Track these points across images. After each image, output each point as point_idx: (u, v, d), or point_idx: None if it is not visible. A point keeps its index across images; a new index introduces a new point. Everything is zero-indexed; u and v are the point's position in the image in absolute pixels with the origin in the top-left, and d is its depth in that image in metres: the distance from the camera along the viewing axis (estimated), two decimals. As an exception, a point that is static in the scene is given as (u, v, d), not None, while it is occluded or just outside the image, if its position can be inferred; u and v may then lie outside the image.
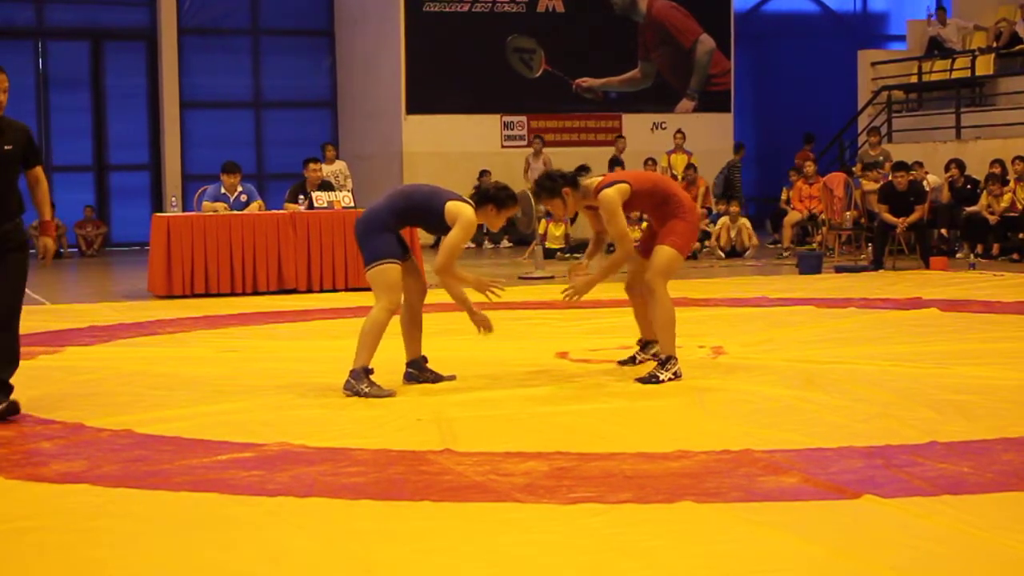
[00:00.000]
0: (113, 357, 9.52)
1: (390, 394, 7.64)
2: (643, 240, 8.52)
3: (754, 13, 28.04)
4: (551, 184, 8.10)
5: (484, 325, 8.06)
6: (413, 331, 8.11)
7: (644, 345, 8.60)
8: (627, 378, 8.23)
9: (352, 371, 7.67)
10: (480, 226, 7.98)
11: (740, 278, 15.81)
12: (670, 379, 7.94)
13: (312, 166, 15.74)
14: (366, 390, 7.60)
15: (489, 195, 7.95)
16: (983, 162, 19.05)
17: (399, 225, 7.91)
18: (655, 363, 8.12)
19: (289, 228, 14.38)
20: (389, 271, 7.71)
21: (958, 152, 20.19)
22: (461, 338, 10.11)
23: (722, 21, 24.45)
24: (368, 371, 7.68)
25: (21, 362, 9.12)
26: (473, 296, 8.06)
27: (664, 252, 8.10)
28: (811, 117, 25.73)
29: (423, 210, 7.88)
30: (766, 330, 10.44)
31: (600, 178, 8.22)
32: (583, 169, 8.26)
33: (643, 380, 7.98)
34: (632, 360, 8.60)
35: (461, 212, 7.76)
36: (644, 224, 8.52)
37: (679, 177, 21.06)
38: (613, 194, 8.01)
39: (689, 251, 8.26)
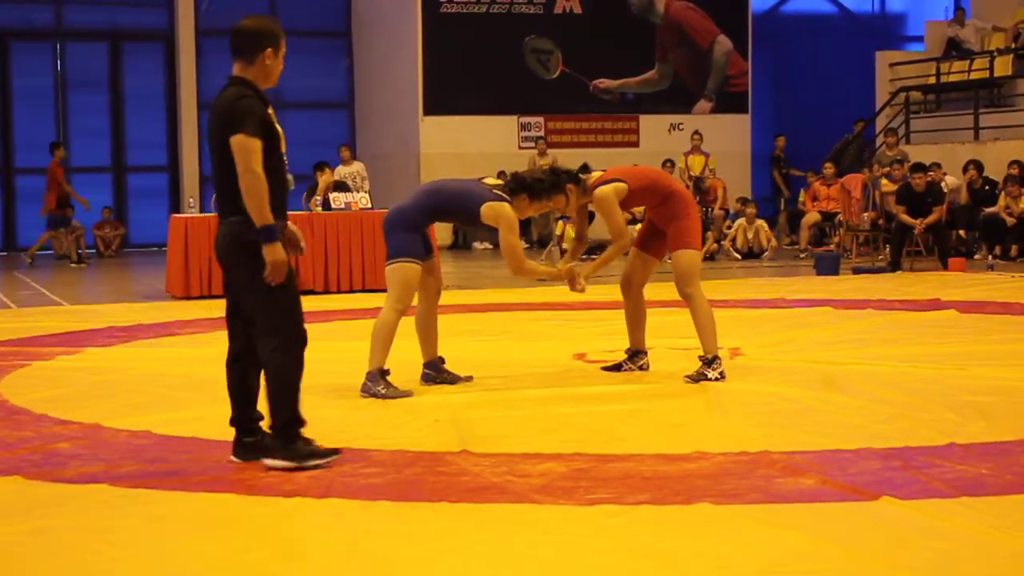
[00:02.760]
0: (131, 358, 9.54)
1: (407, 394, 7.65)
2: (642, 235, 8.48)
3: (772, 14, 27.98)
4: (555, 179, 8.06)
5: (577, 285, 8.14)
6: (429, 332, 8.11)
7: (632, 355, 8.53)
8: (645, 379, 8.22)
9: (368, 373, 7.68)
10: (494, 229, 7.98)
11: (757, 279, 15.79)
12: (717, 378, 7.98)
13: (319, 173, 15.88)
14: (383, 391, 7.60)
15: (525, 184, 7.94)
16: (1001, 163, 19.00)
17: (428, 223, 7.92)
18: (700, 363, 8.13)
19: (306, 229, 14.39)
20: (407, 269, 7.71)
21: (976, 153, 20.13)
22: (478, 339, 10.12)
23: (739, 22, 24.42)
24: (384, 372, 7.68)
25: (39, 363, 9.19)
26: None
27: (685, 256, 8.13)
28: (829, 118, 25.66)
29: (454, 208, 7.92)
30: (784, 331, 10.42)
31: (599, 173, 8.23)
32: (585, 168, 8.27)
33: (692, 379, 8.03)
34: (618, 367, 8.49)
35: (501, 213, 7.76)
36: (638, 226, 8.50)
37: (693, 178, 21.10)
38: (609, 191, 8.04)
39: (700, 243, 8.31)
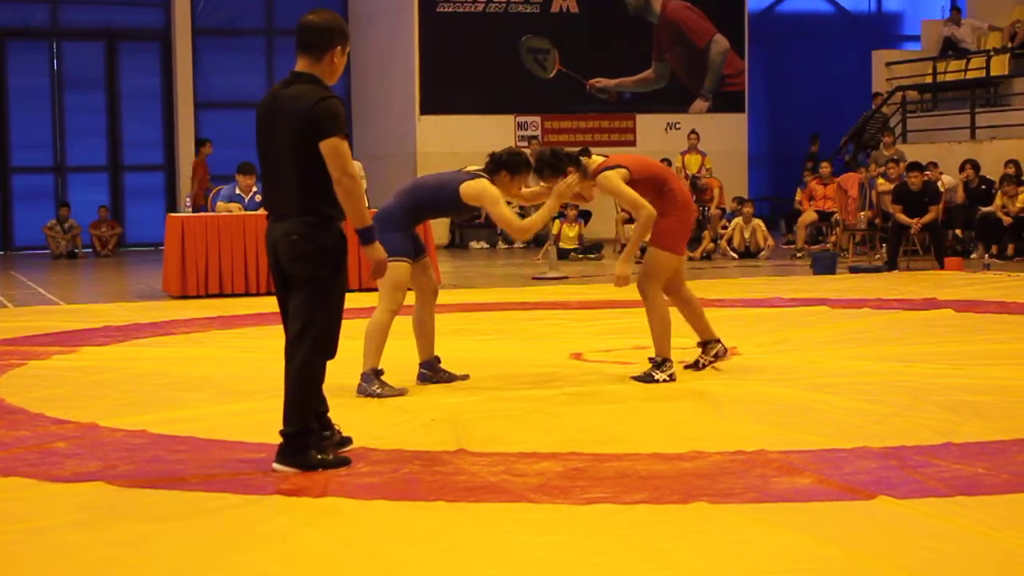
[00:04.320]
0: (127, 357, 9.53)
1: (402, 392, 7.65)
2: None
3: (768, 13, 28.01)
4: (556, 162, 7.97)
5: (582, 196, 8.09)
6: (425, 331, 8.11)
7: (704, 345, 8.36)
8: (641, 378, 8.22)
9: (363, 374, 7.68)
10: (493, 227, 7.97)
11: (754, 278, 15.80)
12: (665, 380, 7.95)
13: None
14: (378, 391, 7.61)
15: (502, 162, 7.89)
16: (998, 162, 19.01)
17: (413, 222, 7.91)
18: (651, 364, 8.10)
19: (303, 228, 14.36)
20: (397, 269, 7.69)
21: (973, 152, 20.15)
22: (474, 338, 10.12)
23: (736, 21, 24.44)
24: (378, 372, 7.69)
25: (35, 362, 9.19)
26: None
27: (658, 256, 8.07)
28: (825, 117, 25.68)
29: (435, 202, 7.90)
30: (780, 331, 10.42)
31: (601, 159, 8.19)
32: (586, 151, 8.24)
33: (639, 379, 8.02)
34: (696, 365, 8.33)
35: (481, 189, 7.76)
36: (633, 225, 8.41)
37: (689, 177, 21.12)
38: (612, 175, 7.96)
39: (682, 249, 8.20)
